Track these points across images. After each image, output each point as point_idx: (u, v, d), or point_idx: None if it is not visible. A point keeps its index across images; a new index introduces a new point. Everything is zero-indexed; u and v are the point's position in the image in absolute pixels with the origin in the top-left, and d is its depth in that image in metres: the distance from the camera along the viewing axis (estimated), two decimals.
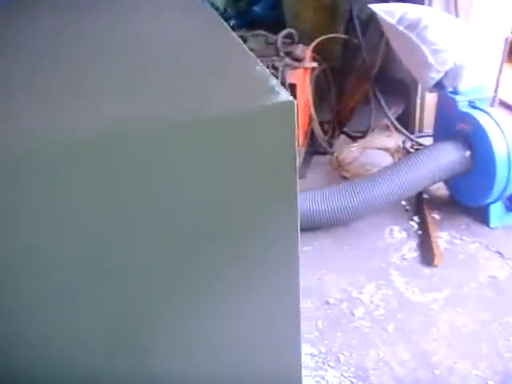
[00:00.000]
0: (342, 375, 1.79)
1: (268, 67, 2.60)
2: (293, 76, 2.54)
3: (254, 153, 0.79)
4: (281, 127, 0.78)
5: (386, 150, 2.72)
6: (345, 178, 2.68)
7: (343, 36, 2.86)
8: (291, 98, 0.78)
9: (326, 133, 2.89)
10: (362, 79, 2.82)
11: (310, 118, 2.73)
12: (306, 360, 1.84)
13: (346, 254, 2.28)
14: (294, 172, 0.82)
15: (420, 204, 2.46)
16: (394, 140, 2.80)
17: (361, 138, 2.88)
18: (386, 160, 2.73)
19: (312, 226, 2.33)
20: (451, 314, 1.97)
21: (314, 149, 2.86)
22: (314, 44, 2.70)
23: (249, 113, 0.77)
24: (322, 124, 2.88)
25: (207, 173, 0.79)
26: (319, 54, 2.82)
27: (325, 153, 2.86)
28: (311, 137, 2.81)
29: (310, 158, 2.82)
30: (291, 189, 0.84)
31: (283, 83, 2.51)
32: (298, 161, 2.66)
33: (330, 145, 2.88)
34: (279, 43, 2.57)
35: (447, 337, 1.89)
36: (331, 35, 2.78)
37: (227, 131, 0.77)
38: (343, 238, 2.36)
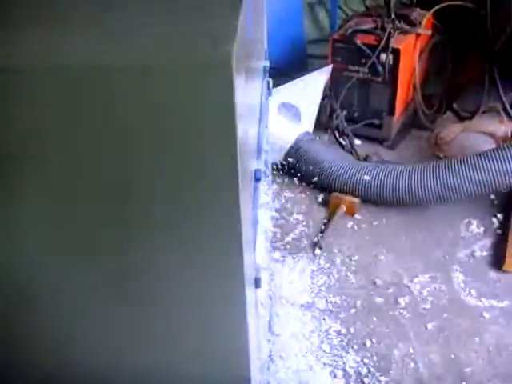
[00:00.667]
0: (363, 361, 1.71)
1: (376, 28, 2.44)
2: (399, 41, 2.36)
3: (187, 106, 0.73)
4: (216, 81, 0.71)
5: (492, 136, 2.47)
6: (438, 159, 2.49)
7: (470, 5, 2.58)
8: (229, 51, 0.70)
9: (431, 107, 2.68)
10: (482, 55, 2.56)
11: (414, 89, 2.54)
12: (330, 337, 1.78)
13: (411, 238, 2.14)
14: (233, 130, 0.75)
15: (509, 201, 2.23)
16: (503, 127, 2.53)
17: (468, 118, 2.63)
18: (489, 147, 2.49)
19: (385, 201, 2.21)
20: (502, 328, 1.79)
21: (413, 121, 2.68)
22: (434, 10, 2.48)
23: (179, 63, 0.71)
24: (430, 98, 2.68)
25: (136, 123, 0.75)
26: (441, 22, 2.59)
27: (425, 128, 2.67)
28: (414, 109, 2.63)
29: (406, 131, 2.65)
30: (229, 148, 0.76)
31: (386, 47, 2.35)
32: (391, 131, 2.52)
33: (433, 120, 2.67)
34: (392, 3, 2.39)
35: (489, 351, 1.73)
36: (457, 2, 2.53)
37: (157, 81, 0.72)
38: (414, 221, 2.21)
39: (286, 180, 2.45)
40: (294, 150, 2.34)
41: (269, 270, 1.87)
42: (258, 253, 1.15)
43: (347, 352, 1.73)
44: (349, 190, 2.23)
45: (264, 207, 1.70)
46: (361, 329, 1.80)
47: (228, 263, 0.89)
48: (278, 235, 2.17)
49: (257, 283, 1.08)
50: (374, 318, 1.84)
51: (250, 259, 0.98)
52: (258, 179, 1.16)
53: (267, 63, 1.53)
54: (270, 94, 1.68)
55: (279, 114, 2.37)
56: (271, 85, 1.68)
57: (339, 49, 2.48)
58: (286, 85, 2.43)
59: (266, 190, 1.74)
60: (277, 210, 2.29)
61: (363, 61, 2.43)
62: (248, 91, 0.98)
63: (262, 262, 1.37)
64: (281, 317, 1.84)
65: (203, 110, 0.74)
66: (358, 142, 2.60)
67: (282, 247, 2.12)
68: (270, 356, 1.71)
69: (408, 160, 2.47)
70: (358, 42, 2.40)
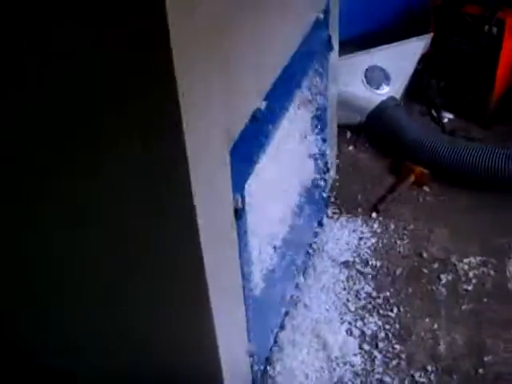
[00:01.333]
0: (383, 326, 1.71)
1: None
2: (506, 13, 2.21)
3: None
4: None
5: None
6: None
7: None
8: None
9: None
10: None
11: None
12: (359, 297, 1.80)
13: (476, 220, 2.04)
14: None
15: None
16: None
17: None
18: None
19: (459, 179, 2.14)
20: None
21: None
22: None
23: None
24: None
25: None
26: None
27: None
28: None
29: (505, 112, 2.47)
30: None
31: (491, 18, 2.21)
32: (488, 108, 2.38)
33: None
34: None
35: None
36: None
37: None
38: (485, 205, 2.09)
39: (363, 141, 2.43)
40: (377, 113, 2.31)
41: (315, 225, 1.91)
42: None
43: (371, 315, 1.74)
44: (423, 162, 2.17)
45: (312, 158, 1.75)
46: (392, 296, 1.80)
47: None
48: (340, 192, 2.19)
49: (237, 214, 1.14)
50: (410, 289, 1.82)
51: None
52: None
53: (321, 15, 1.54)
54: (330, 48, 1.69)
55: (365, 76, 2.34)
56: (333, 39, 1.69)
57: (442, 17, 2.38)
58: (381, 47, 2.39)
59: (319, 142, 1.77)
60: (346, 167, 2.31)
61: (466, 31, 2.31)
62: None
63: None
64: (317, 270, 1.88)
65: None
66: (449, 115, 2.50)
67: (341, 204, 2.14)
68: (295, 303, 1.78)
69: (502, 142, 2.33)
70: (463, 10, 2.28)
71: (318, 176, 1.83)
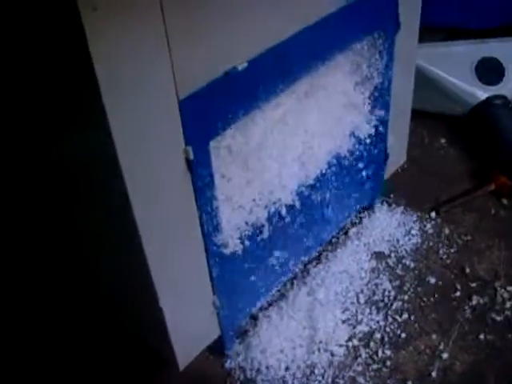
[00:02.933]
0: (384, 328, 1.61)
1: None
2: None
3: None
4: None
5: None
6: None
7: None
8: None
9: None
10: None
11: None
12: (374, 291, 1.70)
13: None
14: None
15: None
16: None
17: None
18: None
19: None
20: None
21: None
22: None
23: None
24: None
25: None
26: None
27: None
28: None
29: None
30: None
31: None
32: None
33: None
34: None
35: None
36: None
37: None
38: None
39: (459, 136, 2.22)
40: (481, 109, 2.09)
41: (357, 207, 1.83)
42: None
43: (378, 313, 1.65)
44: None
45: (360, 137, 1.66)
46: (410, 301, 1.67)
47: None
48: (408, 182, 2.05)
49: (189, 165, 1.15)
50: (431, 299, 1.68)
51: None
52: None
53: None
54: (397, 27, 1.56)
55: (476, 68, 2.11)
56: (406, 18, 1.56)
57: None
58: (502, 38, 2.13)
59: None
60: (426, 159, 2.14)
61: None
62: None
63: None
64: (344, 251, 1.81)
65: None
66: None
67: (402, 195, 2.00)
68: (303, 277, 1.74)
69: None
70: None
71: (368, 158, 1.73)
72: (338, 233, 1.86)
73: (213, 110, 1.15)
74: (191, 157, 1.14)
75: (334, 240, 1.86)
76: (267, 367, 1.54)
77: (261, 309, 1.66)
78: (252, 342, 1.58)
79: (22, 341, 1.65)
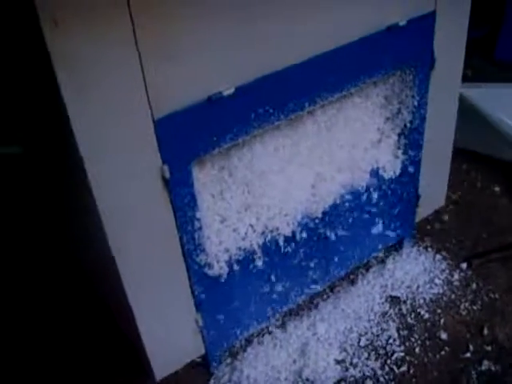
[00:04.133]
0: (378, 378, 1.53)
1: None
2: None
3: None
4: None
5: None
6: None
7: None
8: None
9: None
10: None
11: None
12: (380, 337, 1.62)
13: None
14: None
15: None
16: None
17: None
18: None
19: None
20: None
21: None
22: None
23: None
24: None
25: None
26: None
27: None
28: None
29: None
30: None
31: None
32: None
33: None
34: None
35: None
36: None
37: None
38: None
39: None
40: None
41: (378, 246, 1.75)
42: None
43: (376, 359, 1.56)
44: None
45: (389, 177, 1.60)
46: (412, 353, 1.57)
47: None
48: (447, 227, 1.93)
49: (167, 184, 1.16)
50: (437, 356, 1.56)
51: None
52: None
53: (402, 22, 1.35)
54: (431, 65, 1.47)
55: None
56: (444, 55, 1.47)
57: None
58: None
59: None
60: (473, 205, 2.01)
61: None
62: None
63: None
64: (357, 291, 1.74)
65: None
66: None
67: (437, 239, 1.89)
68: (307, 309, 1.69)
69: None
70: None
71: (394, 197, 1.65)
72: (357, 269, 1.79)
73: (194, 131, 1.15)
74: (167, 175, 1.15)
75: (351, 276, 1.79)
76: None
77: (257, 334, 1.63)
78: (239, 366, 1.56)
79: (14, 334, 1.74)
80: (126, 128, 1.06)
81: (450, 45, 1.49)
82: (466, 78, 1.61)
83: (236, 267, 1.40)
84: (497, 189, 2.07)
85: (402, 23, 1.35)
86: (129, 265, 1.20)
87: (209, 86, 1.12)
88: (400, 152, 1.60)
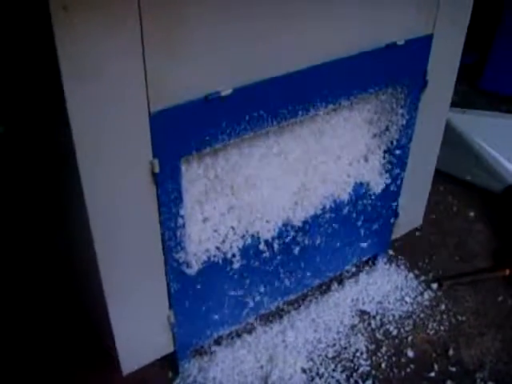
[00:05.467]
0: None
1: None
2: None
3: None
4: None
5: None
6: None
7: None
8: None
9: None
10: None
11: None
12: (348, 351, 1.63)
13: None
14: None
15: None
16: None
17: None
18: None
19: None
20: None
21: None
22: None
23: None
24: None
25: None
26: None
27: None
28: None
29: None
30: None
31: None
32: None
33: None
34: None
35: None
36: None
37: None
38: None
39: (492, 213, 2.10)
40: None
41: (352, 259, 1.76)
42: None
43: (342, 372, 1.57)
44: None
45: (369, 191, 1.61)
46: (378, 368, 1.59)
47: None
48: (421, 246, 1.97)
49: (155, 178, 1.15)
50: (402, 373, 1.58)
51: None
52: None
53: (400, 41, 1.37)
54: (422, 85, 1.50)
55: None
56: (436, 76, 1.49)
57: None
58: None
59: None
60: (448, 228, 2.05)
61: None
62: None
63: None
64: (328, 303, 1.75)
65: None
66: None
67: (410, 257, 1.92)
68: (280, 321, 1.70)
69: None
70: None
71: (373, 213, 1.67)
72: (331, 280, 1.81)
73: (187, 129, 1.15)
74: (157, 170, 1.15)
75: (323, 287, 1.80)
76: None
77: (228, 336, 1.63)
78: (206, 367, 1.56)
79: None
80: (121, 118, 1.05)
81: (442, 68, 1.52)
82: (451, 103, 1.65)
83: (213, 268, 1.40)
84: (472, 214, 2.11)
85: (400, 42, 1.37)
86: (107, 254, 1.18)
87: (207, 84, 1.12)
88: (384, 169, 1.62)
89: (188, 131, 1.15)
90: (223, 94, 1.14)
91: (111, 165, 1.09)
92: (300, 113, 1.31)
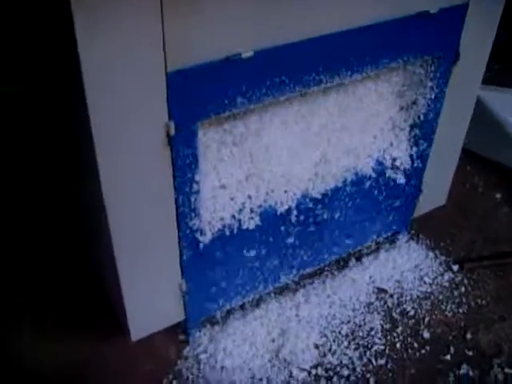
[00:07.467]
0: (355, 367, 1.51)
1: None
2: None
3: None
4: None
5: None
6: None
7: None
8: None
9: None
10: None
11: None
12: (363, 328, 1.60)
13: None
14: None
15: None
16: None
17: None
18: None
19: None
20: None
21: None
22: None
23: None
24: None
25: None
26: None
27: None
28: None
29: None
30: None
31: None
32: None
33: None
34: None
35: None
36: None
37: None
38: None
39: None
40: None
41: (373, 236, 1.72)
42: None
43: (355, 349, 1.54)
44: None
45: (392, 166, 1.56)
46: (392, 348, 1.55)
47: None
48: (444, 227, 1.91)
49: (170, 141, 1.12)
50: (417, 354, 1.54)
51: None
52: None
53: (433, 10, 1.30)
54: (455, 58, 1.43)
55: None
56: (469, 49, 1.43)
57: None
58: None
59: None
60: (473, 210, 1.99)
61: None
62: None
63: None
64: (345, 278, 1.71)
65: None
66: None
67: (433, 238, 1.87)
68: (294, 294, 1.67)
69: None
70: None
71: (396, 189, 1.62)
72: (349, 256, 1.77)
73: (205, 91, 1.11)
74: (172, 132, 1.11)
75: (341, 263, 1.76)
76: (222, 367, 1.49)
77: (240, 307, 1.61)
78: (216, 338, 1.54)
79: None
80: (136, 77, 1.01)
81: (476, 41, 1.45)
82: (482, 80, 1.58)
83: (228, 237, 1.37)
84: (498, 196, 2.04)
85: (433, 11, 1.30)
86: (119, 219, 1.16)
87: (228, 45, 1.08)
88: (409, 144, 1.57)
89: (206, 93, 1.11)
90: (244, 56, 1.10)
91: (125, 124, 1.06)
92: (324, 81, 1.26)
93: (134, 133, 1.07)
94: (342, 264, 1.76)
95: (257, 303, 1.62)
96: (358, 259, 1.78)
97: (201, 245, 1.33)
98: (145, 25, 0.96)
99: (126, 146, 1.08)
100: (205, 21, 1.02)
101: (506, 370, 1.52)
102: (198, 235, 1.32)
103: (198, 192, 1.24)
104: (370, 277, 1.72)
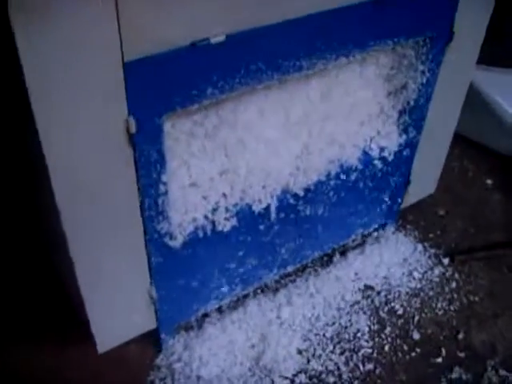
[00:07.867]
0: (338, 371, 1.41)
1: None
2: None
3: None
4: None
5: None
6: None
7: None
8: None
9: None
10: None
11: None
12: (348, 329, 1.49)
13: None
14: None
15: None
16: None
17: None
18: None
19: None
20: None
21: None
22: None
23: None
24: None
25: None
26: None
27: None
28: None
29: None
30: None
31: None
32: None
33: None
34: None
35: None
36: None
37: None
38: None
39: (507, 182, 1.93)
40: None
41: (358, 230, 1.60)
42: None
43: (341, 354, 1.44)
44: None
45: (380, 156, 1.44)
46: (380, 351, 1.45)
47: None
48: (433, 216, 1.80)
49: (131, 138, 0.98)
50: (407, 357, 1.44)
51: None
52: None
53: None
54: (448, 38, 1.30)
55: None
56: (463, 30, 1.30)
57: None
58: None
59: None
60: (464, 199, 1.88)
61: None
62: None
63: None
64: (330, 276, 1.60)
65: None
66: None
67: (422, 228, 1.76)
68: (274, 295, 1.55)
69: None
70: None
71: (383, 179, 1.50)
72: (333, 252, 1.65)
73: (170, 81, 0.97)
74: (133, 130, 0.97)
75: (325, 258, 1.65)
76: (198, 377, 1.37)
77: (217, 311, 1.49)
78: (191, 345, 1.42)
79: None
80: (89, 68, 0.87)
81: (472, 20, 1.32)
82: None
83: (201, 240, 1.24)
84: (489, 181, 1.94)
85: None
86: (74, 225, 1.02)
87: (195, 30, 0.94)
88: (398, 132, 1.44)
89: (171, 85, 0.97)
90: (214, 40, 0.96)
91: (77, 124, 0.92)
92: (304, 65, 1.12)
93: (89, 133, 0.94)
94: (325, 260, 1.65)
95: (235, 305, 1.51)
96: (343, 254, 1.67)
97: (171, 249, 1.21)
98: (95, 9, 0.82)
99: (80, 147, 0.94)
100: (166, 2, 0.88)
101: (501, 372, 1.43)
102: (167, 239, 1.19)
103: (165, 193, 1.11)
104: (356, 273, 1.61)
